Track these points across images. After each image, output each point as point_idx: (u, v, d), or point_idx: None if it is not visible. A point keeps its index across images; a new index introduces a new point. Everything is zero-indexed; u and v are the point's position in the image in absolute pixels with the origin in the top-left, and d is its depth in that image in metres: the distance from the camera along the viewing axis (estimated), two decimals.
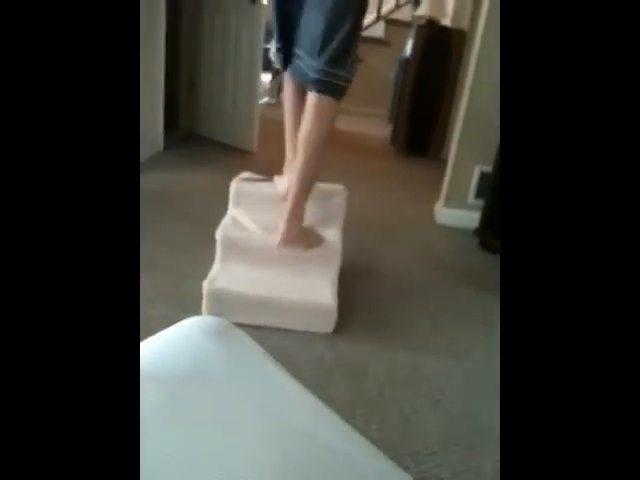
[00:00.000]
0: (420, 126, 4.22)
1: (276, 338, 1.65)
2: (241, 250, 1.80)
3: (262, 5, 3.49)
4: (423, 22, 4.19)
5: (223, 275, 1.75)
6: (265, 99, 5.58)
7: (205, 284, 1.69)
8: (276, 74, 5.82)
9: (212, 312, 1.67)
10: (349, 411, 1.39)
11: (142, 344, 0.85)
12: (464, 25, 4.05)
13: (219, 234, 1.80)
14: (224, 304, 1.69)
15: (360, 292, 2.04)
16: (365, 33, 6.10)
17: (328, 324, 1.72)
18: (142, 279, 1.94)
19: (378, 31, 6.12)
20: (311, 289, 1.74)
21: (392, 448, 1.29)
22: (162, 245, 2.16)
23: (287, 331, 1.70)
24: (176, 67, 3.74)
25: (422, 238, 2.66)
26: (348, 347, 1.69)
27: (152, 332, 0.90)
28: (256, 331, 1.58)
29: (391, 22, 6.09)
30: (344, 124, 5.25)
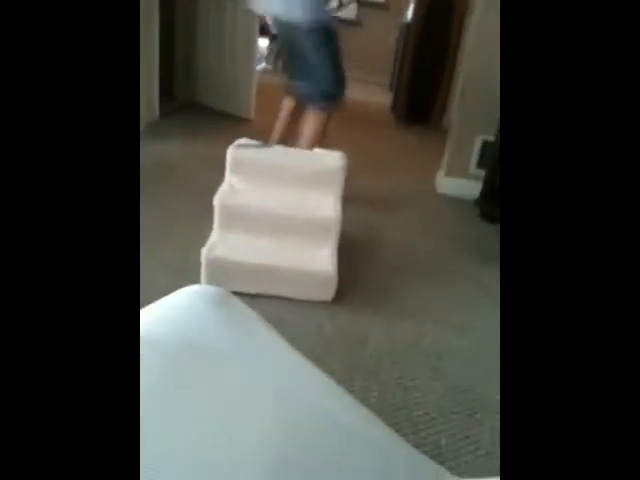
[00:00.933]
0: (421, 94, 4.15)
1: (275, 306, 1.65)
2: (239, 218, 1.77)
3: None
4: None
5: (221, 243, 1.73)
6: (262, 65, 5.48)
7: (203, 252, 1.67)
8: (273, 39, 5.70)
9: (211, 280, 1.66)
10: (348, 380, 1.39)
11: (141, 312, 0.84)
12: None
13: (217, 202, 1.77)
14: (223, 272, 1.67)
15: (361, 262, 2.03)
16: None
17: (327, 292, 1.71)
18: (141, 248, 1.92)
19: None
20: (310, 257, 1.73)
21: (391, 416, 1.30)
22: (160, 214, 2.14)
23: (287, 300, 1.70)
24: (172, 35, 3.65)
25: (423, 208, 2.64)
26: (348, 317, 1.68)
27: (151, 301, 0.89)
28: (255, 299, 1.58)
29: None
30: None
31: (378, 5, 5.91)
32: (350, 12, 6.04)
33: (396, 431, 1.23)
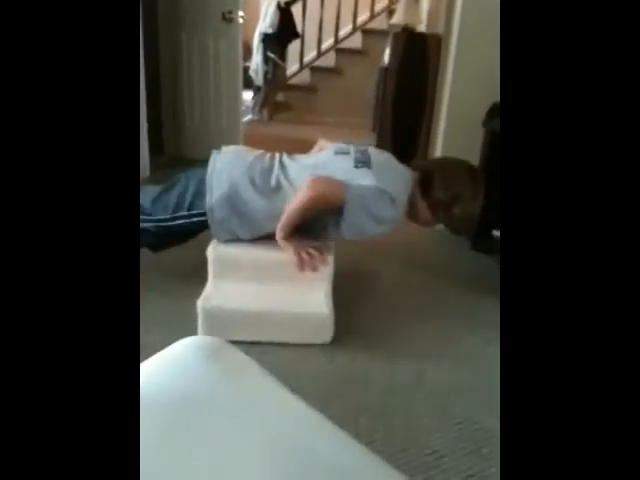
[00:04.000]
0: (405, 133, 4.24)
1: (274, 353, 1.64)
2: (233, 266, 1.78)
3: (238, 24, 3.51)
4: (399, 30, 4.23)
5: (217, 293, 1.73)
6: (248, 117, 5.60)
7: (199, 303, 1.67)
8: (257, 91, 5.85)
9: (208, 331, 1.66)
10: (353, 423, 1.37)
11: None
12: (440, 30, 4.09)
13: (210, 252, 1.78)
14: (219, 322, 1.67)
15: (356, 301, 2.02)
16: (342, 45, 6.18)
17: (325, 334, 1.71)
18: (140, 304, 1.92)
19: (355, 42, 6.18)
20: (305, 300, 1.73)
21: (399, 457, 1.28)
22: (154, 269, 2.14)
23: (285, 345, 1.69)
24: (157, 92, 3.74)
25: (414, 242, 2.65)
26: (348, 358, 1.67)
27: (148, 355, 0.88)
28: (254, 347, 1.57)
29: (368, 32, 6.15)
30: (327, 136, 5.30)
31: (356, 51, 6.11)
32: (329, 60, 6.23)
33: (404, 471, 1.21)
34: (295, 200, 1.66)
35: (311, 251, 1.70)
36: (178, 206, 1.75)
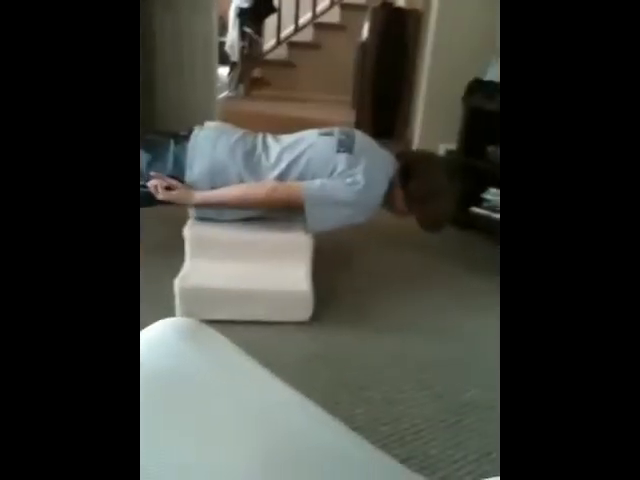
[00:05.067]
0: (384, 109, 4.21)
1: (254, 331, 1.63)
2: (211, 245, 1.76)
3: None
4: (378, 5, 4.17)
5: (194, 272, 1.71)
6: (225, 93, 5.51)
7: (177, 282, 1.65)
8: (233, 66, 5.75)
9: (186, 311, 1.64)
10: (333, 399, 1.37)
11: None
12: (419, 5, 4.05)
13: (187, 231, 1.76)
14: (198, 301, 1.65)
15: (336, 280, 2.02)
16: (320, 19, 6.09)
17: (305, 311, 1.70)
18: None
19: (334, 17, 6.09)
20: (285, 278, 1.72)
21: (379, 431, 1.29)
22: None
23: (265, 323, 1.68)
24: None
25: (392, 218, 2.65)
26: (328, 335, 1.67)
27: None
28: (233, 326, 1.56)
29: (346, 6, 6.06)
30: (306, 112, 5.25)
31: (334, 26, 6.02)
32: (307, 35, 6.14)
33: (384, 445, 1.23)
34: (242, 189, 1.65)
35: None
36: (151, 169, 1.69)
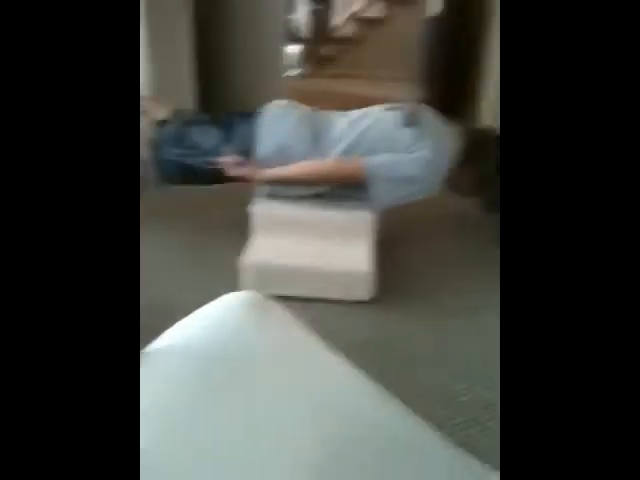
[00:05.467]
0: (452, 85, 4.08)
1: (314, 309, 1.65)
2: (276, 223, 1.80)
3: None
4: None
5: (259, 248, 1.75)
6: (292, 71, 5.52)
7: (243, 258, 1.70)
8: (301, 44, 5.73)
9: (250, 286, 1.68)
10: (388, 383, 1.38)
11: (178, 323, 0.86)
12: None
13: (253, 209, 1.80)
14: (262, 277, 1.70)
15: (398, 260, 2.01)
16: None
17: (365, 291, 1.71)
18: (180, 260, 1.97)
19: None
20: (347, 256, 1.73)
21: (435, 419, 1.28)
22: (201, 226, 2.18)
23: (325, 301, 1.70)
24: (205, 46, 3.70)
25: (461, 209, 2.58)
26: (388, 316, 1.67)
27: (191, 311, 0.90)
28: (294, 302, 1.58)
29: None
30: (373, 89, 5.16)
31: (403, 1, 5.86)
32: (375, 11, 6.01)
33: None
34: (308, 165, 1.67)
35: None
36: (221, 147, 1.75)
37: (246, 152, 1.72)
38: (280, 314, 0.91)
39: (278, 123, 1.74)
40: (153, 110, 1.92)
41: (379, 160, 1.63)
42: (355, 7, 6.04)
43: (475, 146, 1.73)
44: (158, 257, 1.90)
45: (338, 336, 1.45)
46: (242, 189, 1.92)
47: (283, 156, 1.70)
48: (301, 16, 5.57)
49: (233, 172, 1.69)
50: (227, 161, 1.69)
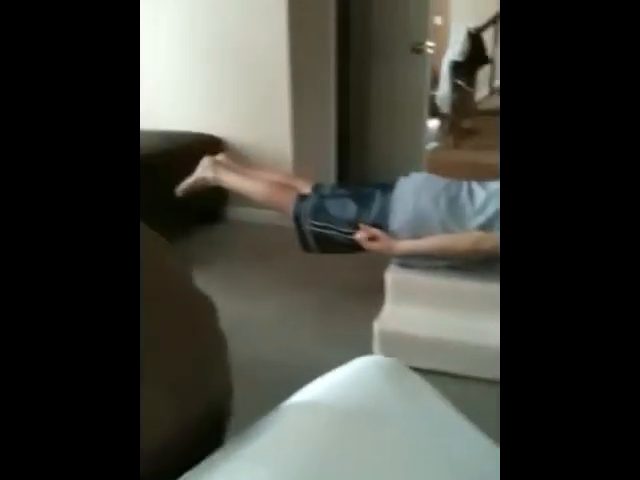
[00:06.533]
0: None
1: (449, 384, 1.57)
2: (410, 291, 1.78)
3: (427, 54, 3.55)
4: None
5: (394, 316, 1.74)
6: (433, 144, 5.60)
7: (376, 325, 1.69)
8: (443, 118, 5.82)
9: (383, 353, 1.66)
10: None
11: (315, 381, 0.87)
12: None
13: (388, 275, 1.80)
14: (395, 345, 1.67)
15: None
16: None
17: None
18: (316, 321, 2.01)
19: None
20: (485, 331, 1.65)
21: None
22: (335, 289, 2.24)
23: (462, 377, 1.62)
24: (346, 119, 3.93)
25: None
26: None
27: (323, 372, 0.90)
28: (427, 375, 1.52)
29: None
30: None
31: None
32: None
33: None
34: (446, 239, 1.64)
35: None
36: (357, 219, 1.79)
37: (382, 224, 1.74)
38: (417, 381, 0.89)
39: (414, 194, 1.74)
40: (299, 186, 2.04)
41: None
42: (498, 81, 6.04)
43: None
44: (294, 317, 1.96)
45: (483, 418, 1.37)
46: (376, 255, 1.94)
47: (418, 227, 1.69)
48: (444, 91, 5.69)
49: (367, 246, 1.72)
50: (362, 236, 1.72)
